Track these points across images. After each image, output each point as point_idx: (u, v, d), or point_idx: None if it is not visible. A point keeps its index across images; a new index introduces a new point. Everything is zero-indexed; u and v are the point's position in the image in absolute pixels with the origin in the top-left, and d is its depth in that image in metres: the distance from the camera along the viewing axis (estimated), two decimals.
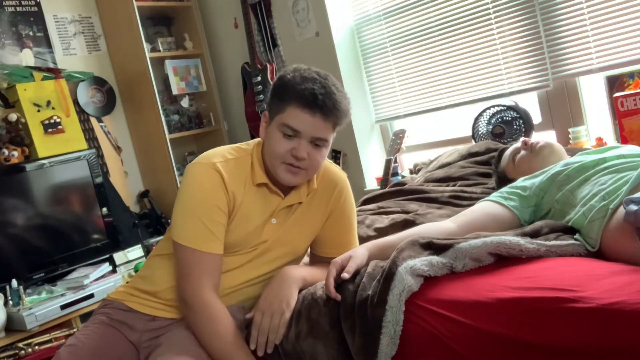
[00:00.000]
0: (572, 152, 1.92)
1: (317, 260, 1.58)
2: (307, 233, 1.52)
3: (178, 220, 1.39)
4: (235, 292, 1.45)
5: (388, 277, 1.19)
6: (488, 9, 2.56)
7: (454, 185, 2.06)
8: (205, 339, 1.33)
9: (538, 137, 1.79)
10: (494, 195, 1.52)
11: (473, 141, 2.51)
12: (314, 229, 1.52)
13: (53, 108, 3.04)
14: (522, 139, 1.83)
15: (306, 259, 1.67)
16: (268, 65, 3.31)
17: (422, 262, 1.20)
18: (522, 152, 1.74)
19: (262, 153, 1.44)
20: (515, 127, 2.39)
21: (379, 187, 2.69)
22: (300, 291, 1.40)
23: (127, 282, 1.60)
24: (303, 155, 1.36)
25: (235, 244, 1.42)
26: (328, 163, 1.54)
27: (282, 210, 1.46)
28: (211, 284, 1.36)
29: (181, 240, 1.36)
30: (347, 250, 1.48)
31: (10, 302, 2.50)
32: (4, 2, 3.09)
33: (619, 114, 2.00)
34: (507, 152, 1.84)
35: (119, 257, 3.01)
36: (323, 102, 1.33)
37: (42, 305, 2.50)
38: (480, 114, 2.50)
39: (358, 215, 1.93)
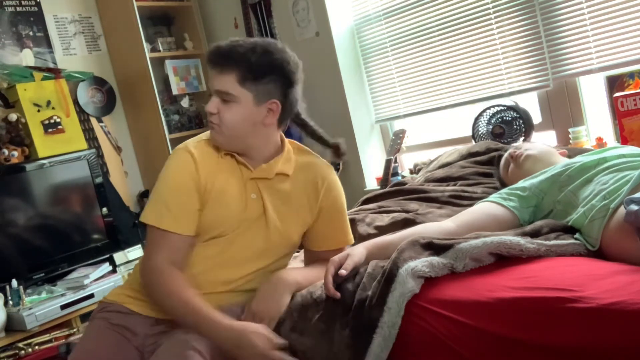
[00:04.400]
0: (572, 152, 1.93)
1: (313, 257, 1.58)
2: (296, 220, 1.50)
3: (147, 203, 1.45)
4: (246, 283, 1.47)
5: (389, 278, 1.19)
6: (488, 9, 2.56)
7: (454, 185, 2.06)
8: (158, 299, 1.37)
9: (526, 145, 1.82)
10: (494, 196, 1.53)
11: (473, 141, 2.51)
12: (303, 219, 1.50)
13: (53, 108, 3.04)
14: (510, 149, 1.85)
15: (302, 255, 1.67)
16: None
17: (423, 263, 1.20)
18: (511, 165, 1.78)
19: None
20: (515, 127, 2.39)
21: (379, 187, 2.69)
22: None
23: (125, 282, 1.58)
24: (209, 109, 1.40)
25: (224, 219, 1.42)
26: (314, 156, 1.55)
27: (253, 183, 1.46)
28: (168, 257, 1.38)
29: (145, 219, 1.41)
30: (341, 241, 1.53)
31: (10, 302, 2.50)
32: (4, 2, 3.09)
33: (619, 114, 2.00)
34: (502, 163, 1.89)
35: (119, 257, 3.01)
36: (216, 54, 1.38)
37: (42, 305, 2.50)
38: (480, 114, 2.50)
39: (358, 214, 1.93)
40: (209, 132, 1.49)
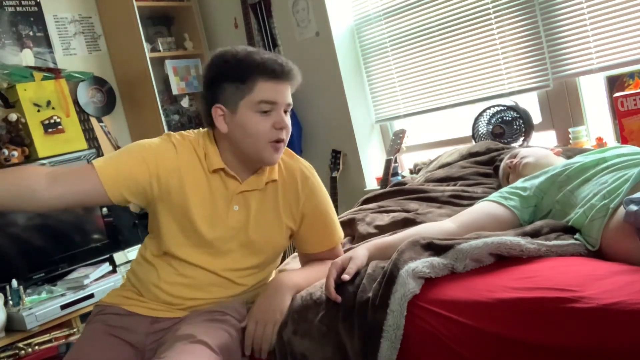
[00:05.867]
0: (572, 152, 1.93)
1: (307, 259, 1.58)
2: (279, 227, 1.48)
3: None
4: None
5: (390, 280, 1.19)
6: (488, 9, 2.55)
7: (454, 185, 2.06)
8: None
9: (522, 152, 1.82)
10: (494, 195, 1.52)
11: (473, 141, 2.51)
12: (287, 225, 1.49)
13: (53, 108, 3.04)
14: (507, 158, 1.86)
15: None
16: None
17: (424, 263, 1.20)
18: (511, 175, 1.80)
19: (217, 141, 1.43)
20: (515, 127, 2.38)
21: (379, 187, 2.69)
22: None
23: (122, 284, 1.56)
24: (288, 124, 1.37)
25: (200, 230, 1.40)
26: (294, 159, 1.52)
27: (240, 196, 1.43)
28: (53, 171, 1.34)
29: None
30: (330, 242, 1.52)
31: (10, 302, 2.50)
32: (4, 2, 3.08)
33: (619, 114, 2.00)
34: (500, 173, 1.91)
35: (119, 257, 3.01)
36: (286, 69, 1.36)
37: (42, 305, 2.50)
38: (480, 114, 2.50)
39: (358, 214, 1.93)
40: (202, 141, 1.45)
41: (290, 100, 1.39)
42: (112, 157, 1.40)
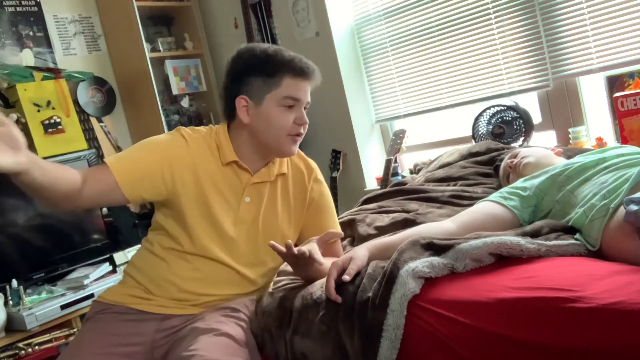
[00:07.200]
0: (572, 152, 1.93)
1: None
2: (289, 218, 1.53)
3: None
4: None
5: (390, 279, 1.19)
6: (488, 9, 2.56)
7: (454, 185, 2.06)
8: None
9: (522, 152, 1.82)
10: (494, 196, 1.52)
11: (473, 141, 2.51)
12: (297, 217, 1.54)
13: (53, 108, 3.04)
14: (507, 158, 1.86)
15: None
16: None
17: (423, 263, 1.20)
18: (511, 175, 1.80)
19: (230, 134, 1.47)
20: (515, 127, 2.39)
21: (379, 187, 2.69)
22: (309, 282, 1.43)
23: (122, 282, 1.55)
24: (307, 120, 1.46)
25: (220, 221, 1.42)
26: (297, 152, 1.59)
27: (252, 187, 1.47)
28: (83, 171, 1.33)
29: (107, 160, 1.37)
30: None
31: (11, 302, 2.50)
32: (4, 2, 3.08)
33: (619, 114, 2.00)
34: (500, 173, 1.91)
35: (119, 257, 3.00)
36: (310, 69, 1.44)
37: (42, 305, 2.50)
38: (480, 114, 2.50)
39: (358, 214, 1.94)
40: (213, 136, 1.48)
41: (309, 99, 1.46)
42: (125, 155, 1.42)
